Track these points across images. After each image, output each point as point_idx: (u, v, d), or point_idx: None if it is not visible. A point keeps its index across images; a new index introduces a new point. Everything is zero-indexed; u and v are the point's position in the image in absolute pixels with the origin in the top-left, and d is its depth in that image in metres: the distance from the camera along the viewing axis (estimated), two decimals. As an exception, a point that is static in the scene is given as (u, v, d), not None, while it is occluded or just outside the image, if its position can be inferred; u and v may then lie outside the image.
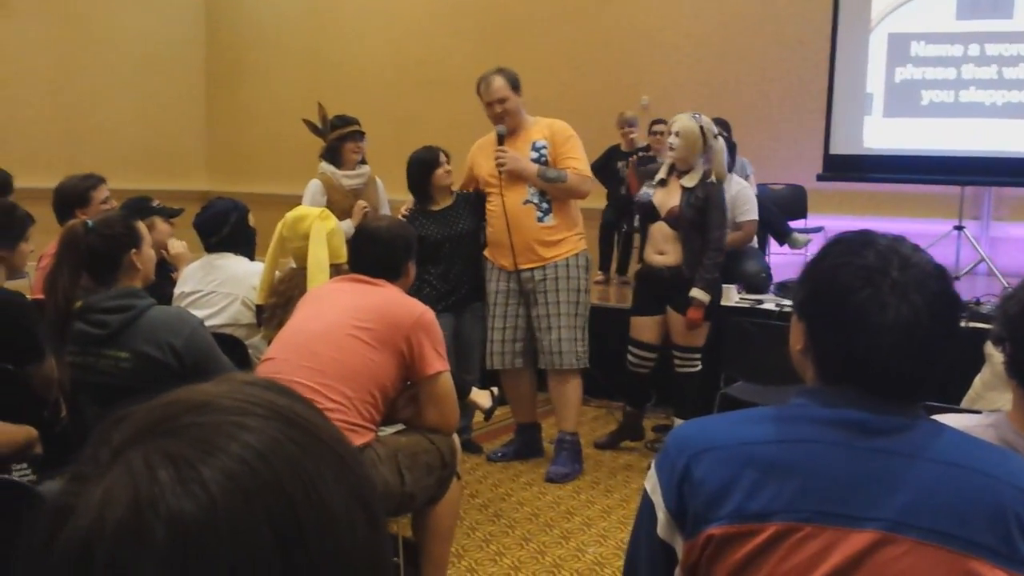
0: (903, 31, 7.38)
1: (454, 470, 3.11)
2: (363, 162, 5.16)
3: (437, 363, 2.95)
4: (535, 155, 4.63)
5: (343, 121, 5.15)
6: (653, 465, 1.46)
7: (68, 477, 0.62)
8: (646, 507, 1.44)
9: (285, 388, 0.68)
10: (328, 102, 5.30)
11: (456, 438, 3.18)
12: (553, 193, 4.61)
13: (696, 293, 4.62)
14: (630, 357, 4.93)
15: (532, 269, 4.65)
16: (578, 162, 4.65)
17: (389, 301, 2.98)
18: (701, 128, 4.67)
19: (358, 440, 2.81)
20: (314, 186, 5.02)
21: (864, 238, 1.42)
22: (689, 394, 4.85)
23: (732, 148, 5.91)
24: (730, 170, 5.75)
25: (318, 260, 3.43)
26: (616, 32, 8.53)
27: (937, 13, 7.30)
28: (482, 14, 9.03)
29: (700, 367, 4.84)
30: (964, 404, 2.79)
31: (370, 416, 2.86)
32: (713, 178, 4.68)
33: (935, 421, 1.41)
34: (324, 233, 3.50)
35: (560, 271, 4.65)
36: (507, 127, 4.66)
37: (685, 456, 1.40)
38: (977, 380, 2.80)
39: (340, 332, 2.88)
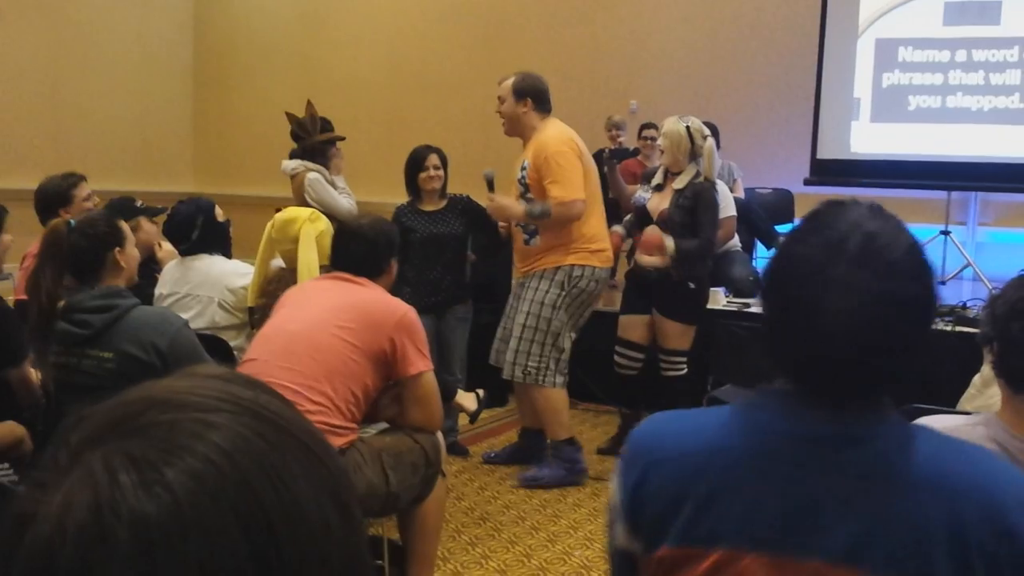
0: (891, 36, 7.40)
1: (439, 468, 3.10)
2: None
3: (420, 363, 2.94)
4: (520, 175, 4.55)
5: (325, 122, 5.10)
6: (615, 471, 1.38)
7: (30, 482, 0.60)
8: (611, 516, 1.37)
9: (250, 380, 0.66)
10: (318, 105, 5.27)
11: (440, 436, 3.17)
12: (547, 225, 4.46)
13: (668, 242, 4.62)
14: (617, 358, 4.92)
15: (524, 277, 4.65)
16: (557, 187, 4.38)
17: (371, 300, 2.97)
18: (688, 130, 4.68)
19: (340, 441, 2.79)
20: (317, 178, 4.83)
21: (832, 212, 1.27)
22: (677, 398, 4.85)
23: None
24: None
25: (308, 262, 3.43)
26: (606, 37, 8.54)
27: (924, 19, 7.32)
28: (475, 19, 9.02)
29: (686, 370, 4.84)
30: (963, 402, 2.80)
31: (352, 416, 2.86)
32: (702, 179, 4.69)
33: (906, 428, 1.28)
34: (314, 235, 3.50)
35: (532, 282, 4.55)
36: (507, 133, 4.63)
37: (641, 464, 1.32)
38: (976, 377, 2.80)
39: (321, 332, 2.86)
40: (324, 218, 3.67)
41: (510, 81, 4.56)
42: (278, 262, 3.63)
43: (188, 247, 3.89)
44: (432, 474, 3.06)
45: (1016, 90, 7.10)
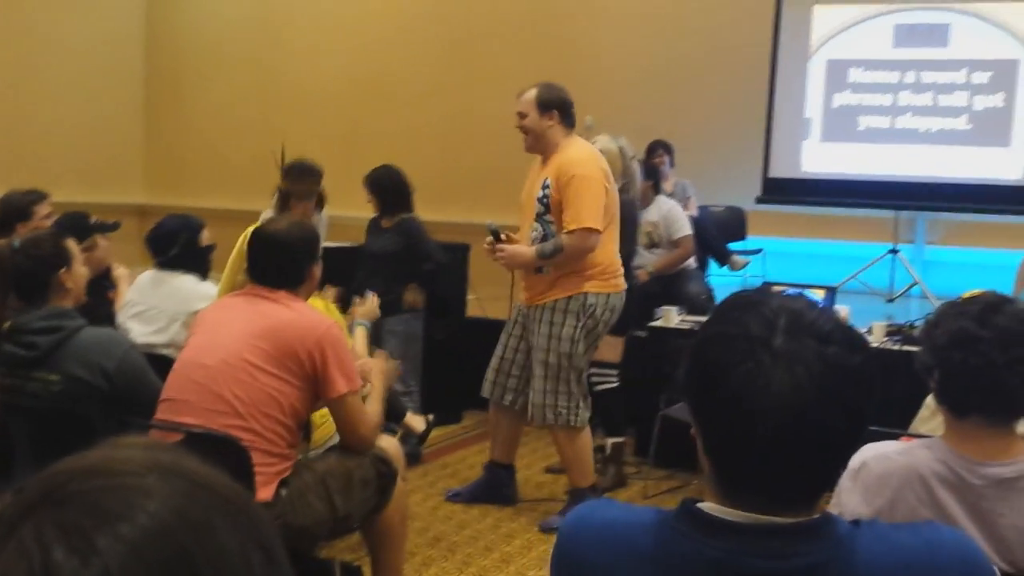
0: (841, 57, 7.51)
1: (393, 476, 3.00)
2: (320, 205, 5.10)
3: (341, 384, 2.79)
4: (541, 193, 4.23)
5: (298, 172, 4.91)
6: (550, 562, 1.32)
7: None
8: None
9: (167, 444, 0.72)
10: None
11: (394, 442, 3.13)
12: (561, 260, 4.16)
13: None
14: None
15: (531, 307, 4.32)
16: (572, 214, 4.09)
17: (288, 322, 2.79)
18: (621, 149, 4.76)
19: (277, 468, 2.73)
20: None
21: (755, 295, 1.24)
22: (614, 412, 4.89)
23: (653, 171, 6.03)
24: (658, 191, 5.91)
25: None
26: (564, 52, 8.58)
27: (875, 40, 7.44)
28: (436, 31, 9.02)
29: (617, 383, 4.87)
30: (916, 424, 2.81)
31: (286, 442, 2.78)
32: (629, 195, 4.74)
33: (847, 542, 1.17)
34: None
35: (545, 315, 4.23)
36: (528, 149, 4.30)
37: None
38: (929, 399, 2.79)
39: (238, 365, 2.73)
40: None
41: (532, 93, 4.21)
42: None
43: (165, 261, 3.87)
44: (387, 483, 2.98)
45: (964, 112, 7.25)
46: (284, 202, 4.95)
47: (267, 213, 5.03)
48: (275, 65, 9.61)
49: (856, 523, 1.23)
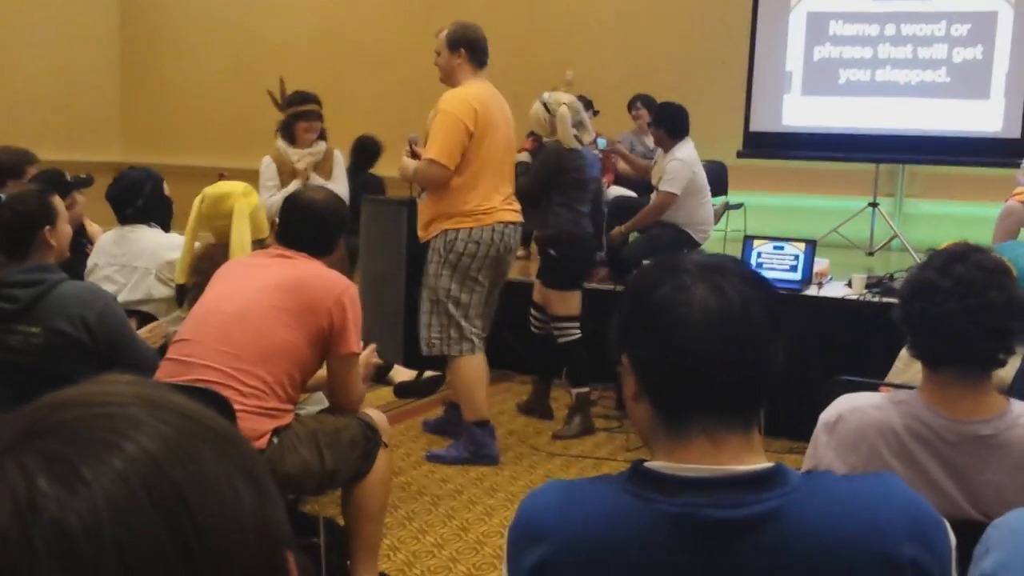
0: (822, 10, 7.50)
1: (378, 442, 3.03)
2: (322, 137, 5.13)
3: (354, 343, 2.89)
4: None
5: (300, 98, 5.10)
6: (505, 552, 1.31)
7: None
8: None
9: (150, 380, 0.71)
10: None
11: (380, 414, 3.15)
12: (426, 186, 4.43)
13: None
14: (530, 318, 5.14)
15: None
16: (426, 147, 4.33)
17: (310, 276, 2.89)
18: (545, 105, 4.90)
19: (275, 423, 2.75)
20: (266, 163, 5.04)
21: (670, 261, 1.32)
22: (577, 363, 4.92)
23: (674, 119, 5.90)
24: (679, 136, 5.60)
25: (241, 239, 3.36)
26: (544, 7, 8.52)
27: (855, -7, 7.43)
28: (407, -13, 8.93)
29: (579, 335, 4.91)
30: (891, 376, 2.81)
31: (288, 396, 2.82)
32: (554, 139, 4.89)
33: (800, 491, 1.21)
34: (248, 211, 3.43)
35: (427, 253, 4.48)
36: (442, 82, 4.50)
37: (536, 548, 1.25)
38: (903, 351, 2.81)
39: (257, 312, 2.80)
40: (255, 192, 3.61)
41: (444, 32, 4.47)
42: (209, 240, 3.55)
43: (132, 213, 3.77)
44: (372, 448, 3.00)
45: (942, 64, 7.25)
46: (288, 130, 5.00)
47: (277, 146, 5.02)
48: (250, 23, 9.50)
49: (808, 473, 1.28)
